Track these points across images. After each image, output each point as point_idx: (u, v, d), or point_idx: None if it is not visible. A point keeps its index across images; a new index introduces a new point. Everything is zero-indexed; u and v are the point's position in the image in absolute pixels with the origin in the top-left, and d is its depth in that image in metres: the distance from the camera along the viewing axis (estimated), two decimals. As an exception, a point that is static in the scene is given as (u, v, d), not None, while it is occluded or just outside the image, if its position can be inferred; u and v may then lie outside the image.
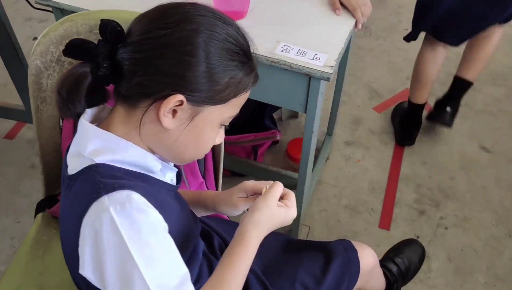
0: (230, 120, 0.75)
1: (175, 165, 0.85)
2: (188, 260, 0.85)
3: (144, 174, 0.72)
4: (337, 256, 0.99)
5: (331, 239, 1.69)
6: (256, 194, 0.86)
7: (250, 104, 1.72)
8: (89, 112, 0.73)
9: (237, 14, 1.21)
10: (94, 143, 0.69)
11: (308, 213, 1.77)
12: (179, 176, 0.85)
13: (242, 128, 1.80)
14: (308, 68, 1.10)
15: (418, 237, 1.70)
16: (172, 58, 0.65)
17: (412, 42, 1.85)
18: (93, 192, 0.65)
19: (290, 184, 1.58)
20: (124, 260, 0.63)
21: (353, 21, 1.24)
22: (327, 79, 1.10)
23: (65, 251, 0.75)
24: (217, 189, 1.13)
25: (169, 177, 0.79)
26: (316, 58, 1.12)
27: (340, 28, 1.21)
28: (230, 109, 0.72)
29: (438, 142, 2.03)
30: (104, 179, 0.66)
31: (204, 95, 0.68)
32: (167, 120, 0.68)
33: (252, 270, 0.95)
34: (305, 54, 1.13)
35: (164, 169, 0.77)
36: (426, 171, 1.92)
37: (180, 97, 0.66)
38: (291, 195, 0.82)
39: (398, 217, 1.77)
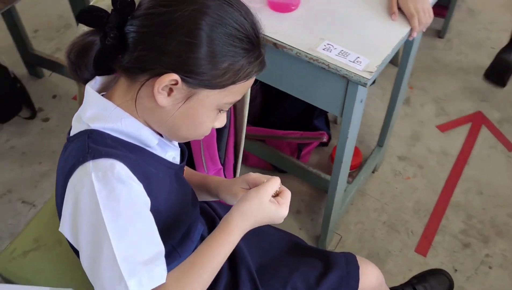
0: (229, 106, 0.73)
1: (180, 145, 0.85)
2: (180, 241, 0.85)
3: (140, 146, 0.73)
4: (336, 268, 0.94)
5: (362, 253, 1.63)
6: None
7: (301, 102, 1.72)
8: (98, 80, 0.75)
9: (286, 6, 1.18)
10: (92, 109, 0.71)
11: (343, 222, 1.70)
12: (184, 155, 0.85)
13: (291, 124, 1.78)
14: (346, 70, 1.05)
15: (456, 270, 1.58)
16: (171, 37, 0.65)
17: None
18: (80, 156, 0.67)
19: (327, 189, 1.54)
20: (97, 227, 0.64)
21: (408, 29, 1.16)
22: (364, 85, 1.05)
23: (57, 209, 0.79)
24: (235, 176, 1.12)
25: (171, 155, 0.80)
26: (357, 62, 1.07)
27: (391, 34, 1.14)
28: (228, 95, 0.71)
29: (501, 173, 1.86)
30: (94, 145, 0.67)
31: (200, 78, 0.67)
32: (161, 97, 0.68)
33: (246, 266, 0.93)
34: (347, 55, 1.08)
35: (164, 146, 0.78)
36: (481, 201, 1.77)
37: (174, 76, 0.65)
38: (287, 193, 0.79)
39: (439, 245, 1.65)
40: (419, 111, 2.09)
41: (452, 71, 2.26)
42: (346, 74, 1.05)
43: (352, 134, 1.22)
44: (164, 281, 0.67)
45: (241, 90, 0.72)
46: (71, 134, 0.73)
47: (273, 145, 1.76)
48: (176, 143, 0.82)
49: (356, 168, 1.74)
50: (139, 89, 0.69)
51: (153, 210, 0.72)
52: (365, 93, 1.15)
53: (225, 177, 1.11)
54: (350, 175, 1.74)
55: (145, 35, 0.66)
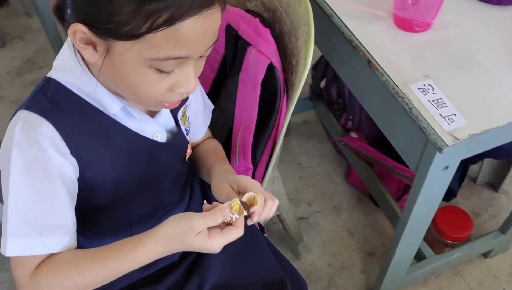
0: (166, 64, 0.60)
1: (177, 122, 0.79)
2: (140, 221, 0.81)
3: (100, 110, 0.68)
4: None
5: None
6: (240, 193, 0.73)
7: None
8: None
9: (409, 25, 0.97)
10: (62, 58, 0.68)
11: (414, 291, 1.44)
12: (180, 134, 0.79)
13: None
14: (427, 123, 0.83)
15: None
16: None
17: None
18: (25, 101, 0.66)
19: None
20: (5, 173, 0.63)
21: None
22: (439, 149, 0.81)
23: None
24: (261, 184, 1.01)
25: (152, 130, 0.74)
26: (449, 119, 0.83)
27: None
28: (153, 49, 0.57)
29: None
30: (40, 96, 0.66)
31: (105, 27, 0.57)
32: (86, 52, 0.61)
33: (199, 280, 0.84)
34: (442, 107, 0.85)
35: (130, 116, 0.71)
36: None
37: (79, 27, 0.58)
38: (232, 231, 0.65)
39: None
40: None
41: None
42: (424, 128, 0.83)
43: (425, 202, 0.98)
44: (45, 252, 0.65)
45: (172, 42, 0.57)
46: None
47: (380, 174, 1.55)
48: (162, 120, 0.76)
49: (457, 241, 1.43)
50: (74, 46, 0.63)
51: (94, 179, 0.70)
52: (454, 160, 0.90)
53: (254, 178, 1.00)
54: (446, 244, 1.45)
55: None
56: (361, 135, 1.61)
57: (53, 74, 0.67)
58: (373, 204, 1.62)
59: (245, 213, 0.67)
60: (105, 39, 0.59)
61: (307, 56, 0.83)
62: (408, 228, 1.07)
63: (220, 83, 1.04)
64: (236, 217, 0.66)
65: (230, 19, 0.94)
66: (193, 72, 0.63)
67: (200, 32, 0.58)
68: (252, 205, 0.71)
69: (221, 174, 0.81)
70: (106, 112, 0.69)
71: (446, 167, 0.91)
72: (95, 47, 0.61)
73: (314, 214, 1.61)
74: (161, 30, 0.55)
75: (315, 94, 1.72)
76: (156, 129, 0.75)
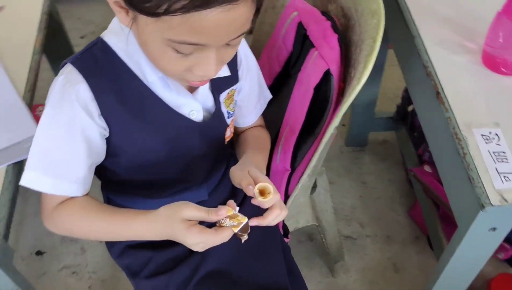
0: (183, 47, 0.59)
1: (218, 102, 0.79)
2: (157, 189, 0.84)
3: (139, 79, 0.69)
4: None
5: None
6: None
7: None
8: None
9: (496, 65, 0.87)
10: (114, 21, 0.71)
11: None
12: (218, 114, 0.80)
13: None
14: (478, 174, 0.74)
15: None
16: None
17: None
18: (75, 54, 0.70)
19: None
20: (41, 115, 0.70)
21: None
22: (481, 207, 0.72)
23: None
24: (292, 190, 0.97)
25: (189, 107, 0.75)
26: (506, 177, 0.74)
27: None
28: (169, 30, 0.57)
29: None
30: (87, 54, 0.69)
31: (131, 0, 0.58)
32: (118, 13, 0.62)
33: (194, 263, 0.85)
34: (502, 161, 0.76)
35: (169, 89, 0.72)
36: None
37: None
38: (208, 233, 0.65)
39: None
40: None
41: None
42: (472, 179, 0.75)
43: (463, 259, 0.88)
44: (52, 192, 0.71)
45: (188, 28, 0.56)
46: None
47: (445, 217, 1.42)
48: (200, 96, 0.76)
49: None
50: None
51: (121, 143, 0.73)
52: (503, 223, 0.80)
53: (288, 182, 0.97)
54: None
55: None
56: (435, 171, 1.49)
57: (105, 35, 0.71)
58: (429, 246, 1.50)
59: (237, 231, 0.66)
60: (132, 9, 0.60)
61: (364, 71, 0.78)
62: (440, 282, 0.97)
63: (284, 78, 1.02)
64: (227, 224, 0.65)
65: (303, 18, 0.92)
66: (214, 58, 0.62)
67: (220, 23, 0.56)
68: (263, 194, 0.70)
69: (247, 163, 0.79)
70: (145, 82, 0.70)
71: (494, 229, 0.81)
72: (127, 12, 0.62)
73: (363, 237, 1.53)
74: (177, 15, 0.55)
75: (399, 115, 1.62)
76: (193, 107, 0.75)
